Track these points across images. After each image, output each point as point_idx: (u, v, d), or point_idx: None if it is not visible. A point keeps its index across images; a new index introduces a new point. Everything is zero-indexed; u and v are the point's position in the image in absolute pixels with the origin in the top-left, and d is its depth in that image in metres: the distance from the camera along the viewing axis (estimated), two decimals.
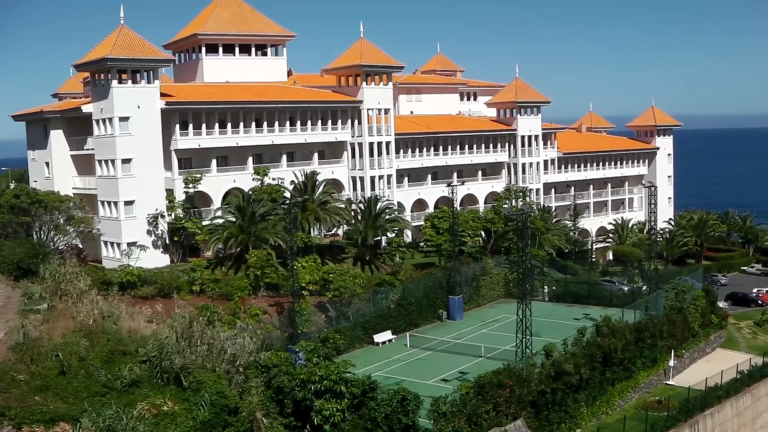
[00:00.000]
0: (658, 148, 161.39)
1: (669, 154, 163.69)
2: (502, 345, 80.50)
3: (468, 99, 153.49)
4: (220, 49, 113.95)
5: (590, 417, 67.25)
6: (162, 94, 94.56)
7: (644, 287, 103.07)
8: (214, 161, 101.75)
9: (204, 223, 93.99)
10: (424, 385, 68.66)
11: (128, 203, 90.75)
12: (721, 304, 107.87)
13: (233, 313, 78.45)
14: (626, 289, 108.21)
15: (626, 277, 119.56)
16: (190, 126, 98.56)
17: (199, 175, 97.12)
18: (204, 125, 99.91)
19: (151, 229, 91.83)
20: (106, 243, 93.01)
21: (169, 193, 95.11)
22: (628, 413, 68.84)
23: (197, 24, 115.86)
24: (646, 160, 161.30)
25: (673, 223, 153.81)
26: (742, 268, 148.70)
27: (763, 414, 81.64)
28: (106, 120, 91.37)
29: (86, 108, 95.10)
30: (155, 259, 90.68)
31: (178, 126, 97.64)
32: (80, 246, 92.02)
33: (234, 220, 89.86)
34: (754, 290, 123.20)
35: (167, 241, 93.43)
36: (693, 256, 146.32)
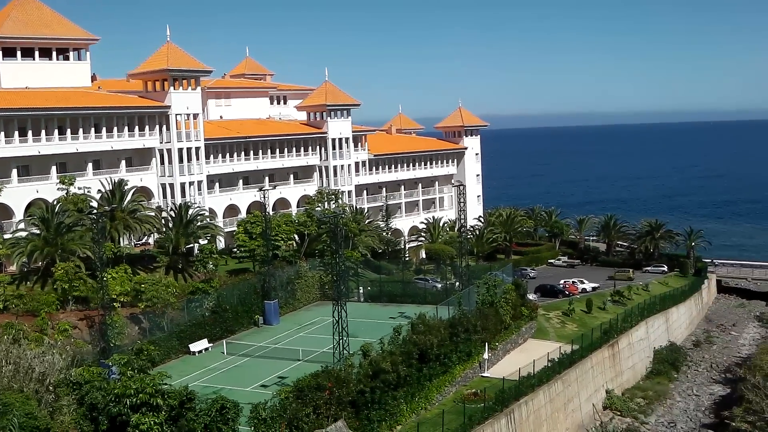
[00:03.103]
0: (466, 148, 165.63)
1: (477, 154, 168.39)
2: (319, 347, 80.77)
3: (278, 103, 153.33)
4: (19, 53, 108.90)
5: (410, 413, 68.29)
6: None
7: (457, 283, 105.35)
8: (14, 171, 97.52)
9: (6, 236, 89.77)
10: (243, 392, 68.12)
11: None
12: (531, 296, 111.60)
13: (41, 329, 75.21)
14: (439, 286, 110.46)
15: (439, 274, 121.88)
16: None
17: None
18: (2, 133, 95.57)
19: None
20: None
21: None
22: (447, 407, 70.40)
23: None
24: (455, 160, 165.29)
25: (482, 221, 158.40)
26: (550, 261, 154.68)
27: (574, 399, 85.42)
28: None
29: None
30: None
31: None
32: None
33: (38, 232, 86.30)
34: (562, 282, 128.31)
35: None
36: (503, 252, 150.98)
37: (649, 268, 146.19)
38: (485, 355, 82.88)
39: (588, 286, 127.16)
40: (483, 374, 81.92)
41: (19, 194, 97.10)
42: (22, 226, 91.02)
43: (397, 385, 66.65)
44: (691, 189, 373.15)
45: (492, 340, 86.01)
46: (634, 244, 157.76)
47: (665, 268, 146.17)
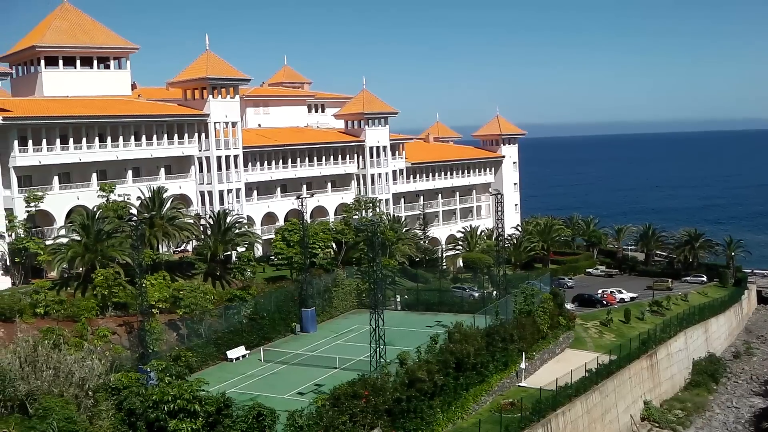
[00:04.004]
0: (503, 157, 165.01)
1: (514, 162, 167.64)
2: (356, 355, 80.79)
3: (316, 111, 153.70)
4: (60, 61, 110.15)
5: (446, 422, 68.16)
6: None
7: (494, 292, 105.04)
8: (56, 178, 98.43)
9: (47, 242, 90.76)
10: (280, 400, 68.27)
11: None
12: (569, 305, 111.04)
13: (80, 335, 76.00)
14: (476, 295, 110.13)
15: (476, 283, 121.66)
16: (30, 142, 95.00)
17: (41, 194, 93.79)
18: (44, 141, 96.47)
19: None
20: None
21: (9, 212, 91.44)
22: (483, 416, 70.21)
23: (35, 35, 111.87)
24: (493, 169, 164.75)
25: (520, 229, 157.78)
26: (587, 270, 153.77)
27: (611, 409, 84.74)
28: None
29: None
30: None
31: (16, 142, 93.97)
32: None
33: (79, 238, 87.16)
34: (599, 291, 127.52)
35: (8, 263, 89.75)
36: (540, 261, 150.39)
37: (688, 278, 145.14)
38: (522, 365, 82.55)
39: (626, 295, 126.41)
40: (520, 384, 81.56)
41: (60, 201, 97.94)
42: (62, 232, 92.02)
43: (434, 394, 66.59)
44: (731, 199, 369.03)
45: (529, 350, 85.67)
46: (672, 254, 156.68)
47: (704, 278, 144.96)
